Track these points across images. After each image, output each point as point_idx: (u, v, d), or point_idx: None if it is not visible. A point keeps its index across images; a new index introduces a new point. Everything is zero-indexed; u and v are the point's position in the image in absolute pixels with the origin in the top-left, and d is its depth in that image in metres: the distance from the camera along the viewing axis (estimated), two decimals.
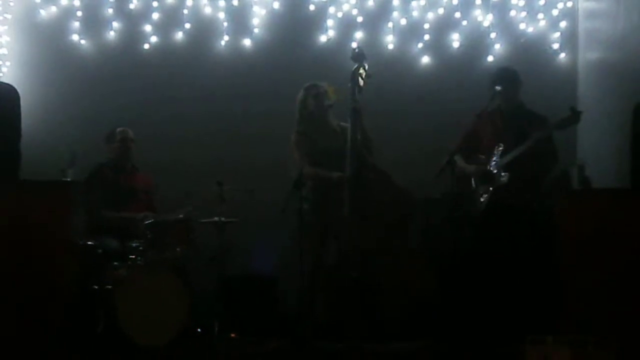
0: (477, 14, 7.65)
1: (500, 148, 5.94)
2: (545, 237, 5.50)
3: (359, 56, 6.08)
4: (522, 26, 7.63)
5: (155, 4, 7.71)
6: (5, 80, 7.13)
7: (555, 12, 7.61)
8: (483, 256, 5.90)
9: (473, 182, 6.11)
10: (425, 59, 7.69)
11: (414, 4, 7.66)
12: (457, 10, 7.65)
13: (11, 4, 7.66)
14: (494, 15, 7.61)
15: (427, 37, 7.67)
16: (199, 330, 6.07)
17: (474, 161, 6.12)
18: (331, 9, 7.68)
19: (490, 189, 5.94)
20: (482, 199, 5.97)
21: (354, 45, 7.52)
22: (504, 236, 5.79)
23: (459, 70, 7.62)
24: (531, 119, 6.06)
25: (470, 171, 6.11)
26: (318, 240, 6.03)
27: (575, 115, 5.61)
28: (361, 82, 5.97)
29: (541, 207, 5.79)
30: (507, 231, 5.79)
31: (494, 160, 5.97)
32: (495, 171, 5.94)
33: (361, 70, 6.00)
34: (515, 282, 5.76)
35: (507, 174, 5.85)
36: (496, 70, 6.32)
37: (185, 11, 7.70)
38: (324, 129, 6.13)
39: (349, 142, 5.90)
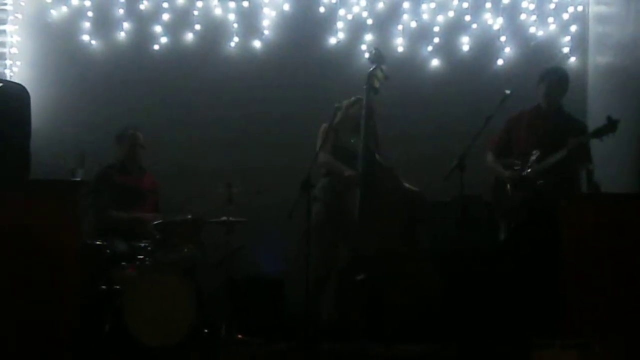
0: (487, 17, 7.64)
1: (537, 154, 5.89)
2: (553, 240, 5.48)
3: (377, 58, 6.13)
4: (532, 30, 7.62)
5: (165, 5, 7.73)
6: (16, 79, 7.17)
7: (565, 16, 7.60)
8: (493, 260, 5.89)
9: (509, 187, 6.07)
10: (435, 62, 7.69)
11: (424, 6, 7.66)
12: (467, 14, 7.64)
13: (22, 3, 7.68)
14: (504, 18, 7.61)
15: (437, 40, 7.67)
16: (206, 331, 6.07)
17: (510, 166, 6.09)
18: (341, 11, 7.69)
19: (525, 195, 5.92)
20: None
21: (364, 47, 7.59)
22: (533, 241, 5.78)
23: (469, 73, 7.62)
24: (569, 123, 6.03)
25: (507, 177, 6.08)
26: (329, 242, 6.05)
27: (612, 124, 5.51)
28: (377, 83, 6.02)
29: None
30: (535, 236, 5.77)
31: (530, 166, 5.92)
32: (531, 178, 5.89)
33: (378, 72, 6.05)
34: (524, 286, 5.75)
35: (542, 181, 5.82)
36: (545, 68, 6.26)
37: (196, 12, 7.72)
38: (354, 134, 6.17)
39: (361, 142, 5.94)
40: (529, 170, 5.90)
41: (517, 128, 6.17)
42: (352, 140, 6.16)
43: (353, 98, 6.30)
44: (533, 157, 5.90)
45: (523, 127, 6.13)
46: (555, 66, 6.43)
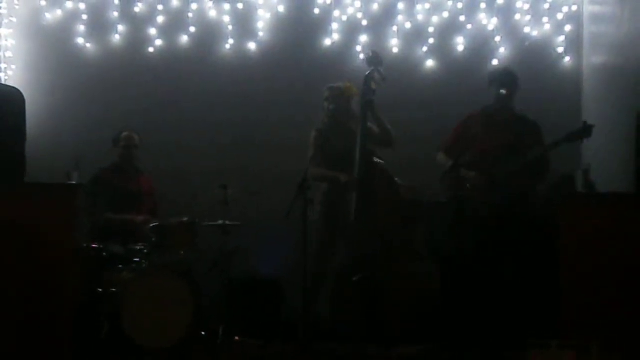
0: (482, 17, 7.65)
1: (497, 155, 5.90)
2: (548, 242, 5.49)
3: (374, 60, 6.13)
4: (526, 30, 7.62)
5: (160, 7, 7.73)
6: (11, 83, 7.18)
7: (560, 16, 7.61)
8: (488, 260, 5.89)
9: (469, 187, 6.07)
10: (430, 63, 7.69)
11: (418, 7, 7.66)
12: (461, 14, 7.65)
13: (17, 7, 7.69)
14: (498, 18, 7.61)
15: (431, 40, 7.67)
16: (203, 333, 6.06)
17: (473, 167, 6.09)
18: (336, 13, 7.68)
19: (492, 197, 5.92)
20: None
21: (359, 49, 7.59)
22: (505, 242, 5.77)
23: (464, 73, 7.60)
24: (523, 125, 6.03)
25: (471, 178, 6.06)
26: (325, 244, 6.06)
27: (586, 129, 5.54)
28: (374, 85, 6.02)
29: (542, 212, 5.77)
30: (506, 237, 5.77)
31: (491, 167, 5.92)
32: (495, 179, 5.90)
33: (376, 74, 6.05)
34: (520, 287, 5.75)
35: (511, 182, 5.84)
36: (492, 70, 6.28)
37: (190, 15, 7.71)
38: (341, 129, 6.17)
39: (358, 142, 5.94)
40: (493, 172, 5.89)
41: (471, 129, 6.16)
42: (341, 138, 6.15)
43: (326, 89, 6.29)
44: (491, 159, 5.90)
45: (477, 128, 6.12)
46: (502, 67, 6.42)
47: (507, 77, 6.10)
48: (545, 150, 5.77)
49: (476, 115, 6.17)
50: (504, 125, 6.04)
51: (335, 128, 6.23)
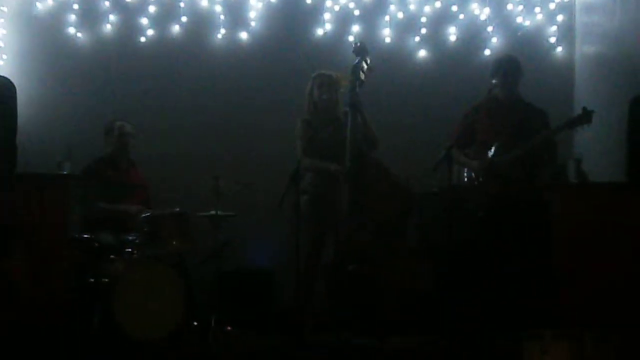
0: (474, 7, 7.64)
1: (499, 144, 5.89)
2: (544, 231, 5.49)
3: (360, 50, 6.10)
4: (519, 20, 7.62)
5: None
6: (2, 73, 7.06)
7: (552, 6, 7.61)
8: (482, 251, 5.89)
9: (475, 176, 6.06)
10: (422, 53, 7.69)
11: None
12: (454, 4, 7.64)
13: None
14: (491, 8, 7.60)
15: (424, 30, 7.66)
16: (195, 324, 6.06)
17: (475, 156, 6.07)
18: (328, 3, 7.67)
19: (495, 184, 5.91)
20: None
21: (351, 39, 7.57)
22: (509, 231, 5.76)
23: (456, 63, 7.62)
24: (530, 112, 6.03)
25: (474, 166, 6.06)
26: (315, 234, 6.04)
27: (586, 115, 5.55)
28: (362, 75, 5.99)
29: (540, 201, 5.78)
30: (512, 226, 5.76)
31: (495, 155, 5.91)
32: (501, 167, 5.88)
33: (363, 64, 6.02)
34: (515, 277, 5.75)
35: (514, 169, 5.82)
36: (498, 59, 6.27)
37: (182, 4, 7.67)
38: (328, 119, 6.15)
39: (347, 136, 5.91)
40: (495, 161, 5.89)
41: (478, 120, 6.15)
42: (328, 128, 6.12)
43: (316, 76, 6.25)
44: (495, 147, 5.89)
45: (483, 118, 6.11)
46: (508, 55, 6.41)
47: (511, 64, 6.09)
48: (546, 136, 5.76)
49: (481, 105, 6.16)
50: (510, 111, 6.02)
51: (324, 118, 6.18)
